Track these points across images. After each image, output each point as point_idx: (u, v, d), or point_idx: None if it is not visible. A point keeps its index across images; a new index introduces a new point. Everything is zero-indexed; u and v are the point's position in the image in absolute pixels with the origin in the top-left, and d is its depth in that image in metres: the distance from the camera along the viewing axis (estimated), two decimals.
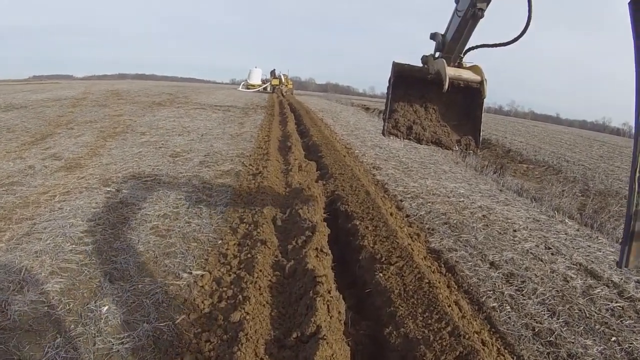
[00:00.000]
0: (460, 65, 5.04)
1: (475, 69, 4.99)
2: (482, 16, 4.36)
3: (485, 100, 5.00)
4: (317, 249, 5.60)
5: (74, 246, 5.72)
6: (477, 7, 4.28)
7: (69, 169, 9.70)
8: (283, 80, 61.49)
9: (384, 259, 5.86)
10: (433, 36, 5.15)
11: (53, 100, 26.02)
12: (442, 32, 5.08)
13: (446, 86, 4.70)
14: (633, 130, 2.47)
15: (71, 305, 4.42)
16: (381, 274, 5.48)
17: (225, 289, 4.86)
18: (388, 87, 5.22)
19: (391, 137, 5.39)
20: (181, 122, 18.99)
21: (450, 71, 4.79)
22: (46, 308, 4.35)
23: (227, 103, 33.16)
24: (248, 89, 63.86)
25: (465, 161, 16.53)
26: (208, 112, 24.97)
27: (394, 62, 5.09)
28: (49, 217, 6.67)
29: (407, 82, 5.21)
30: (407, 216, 8.51)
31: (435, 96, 5.24)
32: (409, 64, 5.18)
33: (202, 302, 4.66)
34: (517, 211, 9.62)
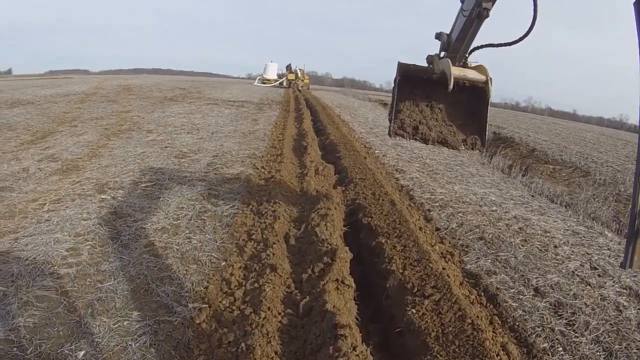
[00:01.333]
0: (465, 65, 5.10)
1: (480, 68, 5.06)
2: (487, 16, 4.47)
3: (490, 98, 5.06)
4: (337, 280, 4.68)
5: (55, 268, 4.90)
6: (483, 6, 4.38)
7: (64, 172, 8.91)
8: (299, 75, 61.40)
9: (416, 289, 4.96)
10: (438, 36, 5.22)
11: (62, 95, 25.36)
12: (448, 32, 5.15)
13: (451, 86, 4.79)
14: (639, 129, 2.49)
15: (43, 347, 3.65)
16: (414, 310, 4.59)
17: (226, 330, 4.00)
18: (393, 88, 5.25)
19: (397, 138, 5.46)
20: (191, 119, 18.13)
21: (456, 71, 4.86)
22: (15, 349, 3.60)
23: (241, 98, 32.29)
24: (264, 83, 63.67)
25: (491, 162, 15.70)
26: (221, 108, 24.12)
27: (399, 62, 5.13)
28: (33, 231, 5.86)
29: (412, 82, 5.27)
30: (437, 230, 7.59)
31: (441, 96, 5.30)
32: (414, 64, 5.26)
33: (198, 347, 3.83)
34: (553, 222, 8.70)
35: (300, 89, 56.41)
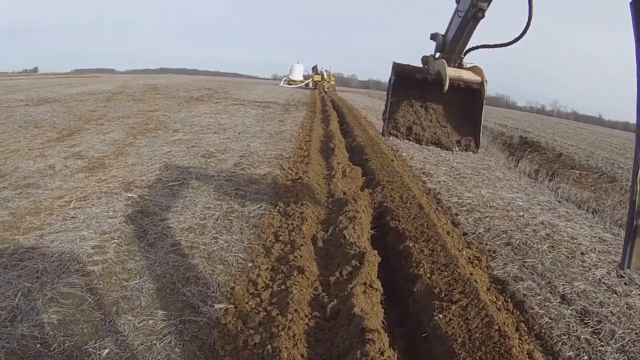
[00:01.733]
0: (460, 66, 5.14)
1: (475, 69, 5.08)
2: (482, 16, 4.46)
3: (485, 100, 5.08)
4: (365, 283, 4.61)
5: (80, 265, 4.92)
6: (478, 7, 4.37)
7: (91, 169, 8.96)
8: (325, 76, 61.51)
9: (443, 294, 4.87)
10: (433, 37, 5.29)
11: (88, 94, 25.65)
12: (443, 33, 5.21)
13: (446, 87, 4.81)
14: (636, 130, 2.46)
15: (67, 345, 3.63)
16: (441, 315, 4.51)
17: (252, 332, 3.94)
18: (388, 88, 5.30)
19: (391, 138, 5.57)
20: (218, 119, 18.16)
21: (451, 72, 4.88)
22: (38, 345, 3.58)
23: (267, 99, 32.36)
24: (290, 84, 63.89)
25: (518, 167, 15.53)
26: (247, 108, 24.17)
27: (394, 62, 5.16)
28: (59, 228, 5.89)
29: (407, 82, 5.32)
30: (465, 234, 7.49)
31: (436, 97, 5.36)
32: (409, 65, 5.30)
33: (223, 347, 3.79)
34: (580, 228, 8.54)
35: (326, 90, 56.43)
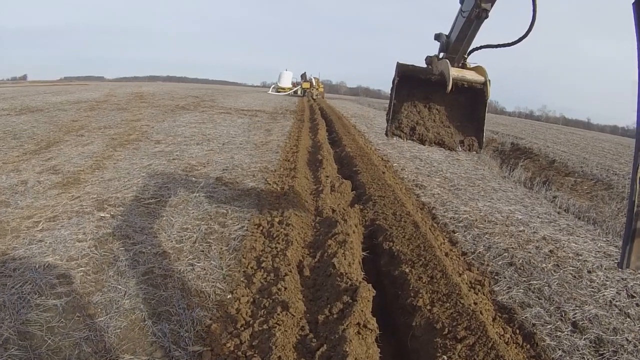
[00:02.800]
0: (464, 66, 5.04)
1: (479, 69, 4.98)
2: (486, 17, 4.39)
3: (488, 101, 5.02)
4: (359, 324, 4.04)
5: (42, 299, 4.40)
6: (482, 7, 4.30)
7: (65, 185, 8.40)
8: (314, 84, 61.75)
9: (447, 330, 4.35)
10: (437, 37, 5.18)
11: (72, 103, 25.07)
12: (446, 33, 5.10)
13: (449, 87, 4.75)
14: (636, 133, 2.45)
15: None
16: (445, 356, 4.00)
17: None
18: (392, 88, 5.16)
19: (394, 138, 5.43)
20: (202, 129, 17.58)
21: (454, 72, 4.81)
22: None
23: (254, 107, 31.84)
24: (278, 92, 64.12)
25: (512, 175, 15.05)
26: (233, 117, 23.63)
27: (397, 62, 5.05)
28: (23, 254, 5.36)
29: (410, 82, 5.21)
30: (464, 254, 6.97)
31: (439, 97, 5.26)
32: (412, 65, 5.20)
33: None
34: (584, 242, 8.08)
35: (314, 97, 56.31)
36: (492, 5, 4.31)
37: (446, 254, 6.52)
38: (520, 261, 6.79)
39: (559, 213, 10.26)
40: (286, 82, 67.24)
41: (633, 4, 2.33)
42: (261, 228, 6.69)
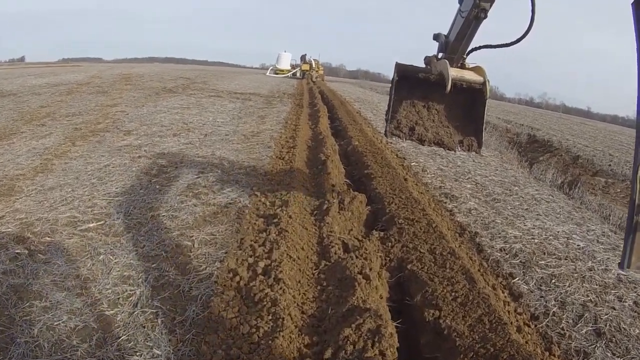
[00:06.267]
0: (463, 66, 5.04)
1: (477, 69, 5.00)
2: (485, 17, 4.42)
3: (487, 101, 5.03)
4: None
5: None
6: (481, 7, 4.34)
7: None
8: (314, 66, 60.55)
9: None
10: (436, 37, 5.27)
11: (51, 85, 22.85)
12: (445, 33, 5.16)
13: (449, 87, 4.76)
14: (636, 127, 2.46)
15: None
16: None
17: None
18: (391, 88, 5.19)
19: (394, 138, 5.54)
20: (185, 116, 15.34)
21: (453, 72, 4.83)
22: None
23: (249, 90, 29.49)
24: (276, 74, 62.87)
25: (545, 177, 13.02)
26: (224, 101, 21.36)
27: (396, 62, 5.08)
28: None
29: (410, 83, 5.23)
30: (535, 318, 4.77)
31: (438, 97, 5.29)
32: (412, 65, 5.23)
33: None
34: None
35: (314, 80, 54.40)
36: (491, 5, 4.34)
37: (518, 329, 4.26)
38: (608, 326, 4.72)
39: (615, 233, 8.05)
40: (285, 64, 65.57)
41: (632, 4, 2.30)
42: (237, 284, 4.36)
